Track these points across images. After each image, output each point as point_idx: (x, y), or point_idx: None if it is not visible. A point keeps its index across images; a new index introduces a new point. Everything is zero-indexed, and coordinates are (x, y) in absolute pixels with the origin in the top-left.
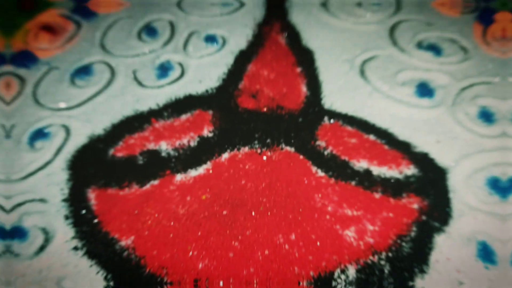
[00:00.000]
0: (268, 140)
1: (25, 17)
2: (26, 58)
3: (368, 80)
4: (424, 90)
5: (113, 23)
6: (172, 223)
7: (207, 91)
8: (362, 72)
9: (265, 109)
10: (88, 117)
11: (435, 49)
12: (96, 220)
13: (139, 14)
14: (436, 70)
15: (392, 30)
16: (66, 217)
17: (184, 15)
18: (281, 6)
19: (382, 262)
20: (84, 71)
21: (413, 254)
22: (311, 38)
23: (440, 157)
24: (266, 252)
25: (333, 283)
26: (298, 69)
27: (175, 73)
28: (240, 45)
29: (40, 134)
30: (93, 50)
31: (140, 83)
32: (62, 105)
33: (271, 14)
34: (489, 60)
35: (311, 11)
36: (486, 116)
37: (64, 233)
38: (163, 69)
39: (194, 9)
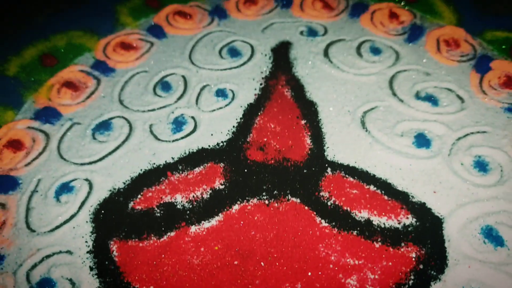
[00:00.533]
0: (275, 192)
1: (48, 73)
2: (50, 114)
3: (368, 131)
4: (422, 140)
5: (130, 78)
6: (187, 274)
7: (218, 144)
8: (363, 124)
9: (272, 161)
10: (109, 171)
11: (432, 100)
12: (118, 271)
13: (154, 70)
14: (433, 121)
15: (392, 80)
16: (91, 268)
17: (196, 68)
18: (286, 56)
19: None
20: (104, 126)
21: None
22: (314, 90)
23: (437, 207)
24: None
25: None
26: (303, 122)
27: (188, 127)
28: (248, 99)
29: (65, 188)
30: (112, 106)
31: (156, 137)
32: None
33: (277, 66)
34: (485, 109)
35: (315, 63)
36: (481, 166)
37: (90, 284)
38: (178, 123)
39: (206, 63)
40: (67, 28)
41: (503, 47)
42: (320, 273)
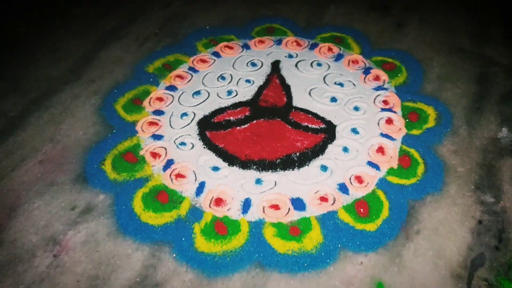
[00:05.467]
0: (271, 116)
1: (168, 72)
2: (171, 88)
3: (312, 97)
4: (333, 100)
5: (206, 74)
6: (238, 140)
7: (247, 100)
8: (310, 94)
9: (270, 105)
10: (203, 109)
11: (341, 84)
12: (208, 137)
13: (217, 71)
14: (341, 92)
15: (325, 77)
16: (199, 138)
17: (236, 71)
18: (277, 66)
19: None
20: (197, 93)
21: None
22: (290, 80)
23: (335, 121)
24: None
25: None
26: (283, 92)
27: (234, 93)
28: (260, 83)
29: (184, 114)
30: (200, 85)
31: (219, 96)
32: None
33: (273, 70)
34: (364, 89)
35: (290, 69)
36: (356, 108)
37: (198, 143)
38: (229, 92)
39: (240, 69)
40: (174, 53)
41: (380, 63)
42: (284, 143)
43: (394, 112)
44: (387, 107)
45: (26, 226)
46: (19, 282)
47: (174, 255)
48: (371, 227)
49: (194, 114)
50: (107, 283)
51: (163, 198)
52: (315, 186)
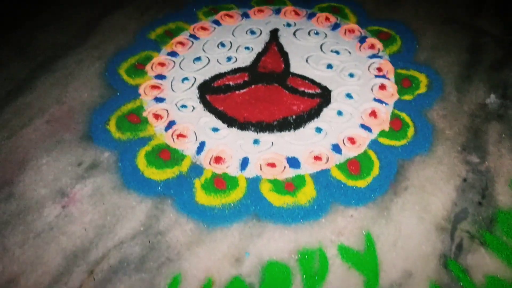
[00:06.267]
0: (269, 81)
1: (170, 38)
2: (173, 54)
3: (309, 64)
4: (329, 67)
5: (207, 41)
6: (238, 103)
7: (246, 65)
8: (307, 61)
9: (268, 71)
10: (203, 73)
11: (337, 52)
12: (207, 100)
13: (217, 37)
14: (336, 59)
15: (322, 45)
16: (199, 101)
17: (235, 38)
18: (276, 34)
19: None
20: (197, 59)
21: None
22: (287, 47)
23: (331, 87)
24: None
25: None
26: (281, 59)
27: (233, 60)
28: (259, 49)
29: (185, 79)
30: (200, 51)
31: (219, 62)
32: None
33: (272, 38)
34: (359, 56)
35: (288, 37)
36: (351, 75)
37: (199, 105)
38: (228, 58)
39: (239, 37)
40: (175, 21)
41: (375, 32)
42: (281, 107)
43: (388, 78)
44: (381, 74)
45: (35, 180)
46: (30, 231)
47: (176, 207)
48: (361, 183)
49: (195, 79)
50: (112, 231)
51: (165, 155)
52: (310, 146)
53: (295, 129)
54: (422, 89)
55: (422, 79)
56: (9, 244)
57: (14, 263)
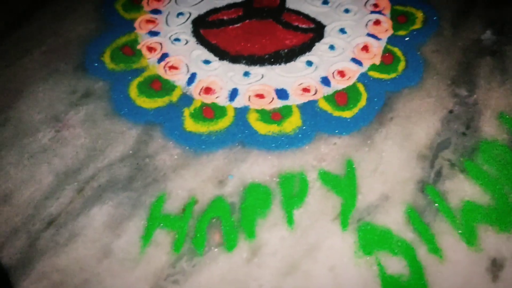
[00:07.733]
0: (264, 14)
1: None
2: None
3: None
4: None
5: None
6: (231, 35)
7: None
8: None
9: (264, 5)
10: (195, 10)
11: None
12: (201, 33)
13: None
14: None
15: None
16: (193, 36)
17: None
18: None
19: None
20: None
21: None
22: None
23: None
24: None
25: None
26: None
27: None
28: None
29: (179, 14)
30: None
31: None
32: None
33: None
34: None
35: None
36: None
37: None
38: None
39: None
40: None
41: None
42: (273, 41)
43: (383, 14)
44: (377, 10)
45: (31, 106)
46: (25, 152)
47: (165, 133)
48: (347, 114)
49: (190, 13)
50: (103, 154)
51: (157, 86)
52: (299, 79)
53: (286, 62)
54: (418, 25)
55: (419, 15)
56: (4, 164)
57: (9, 180)
